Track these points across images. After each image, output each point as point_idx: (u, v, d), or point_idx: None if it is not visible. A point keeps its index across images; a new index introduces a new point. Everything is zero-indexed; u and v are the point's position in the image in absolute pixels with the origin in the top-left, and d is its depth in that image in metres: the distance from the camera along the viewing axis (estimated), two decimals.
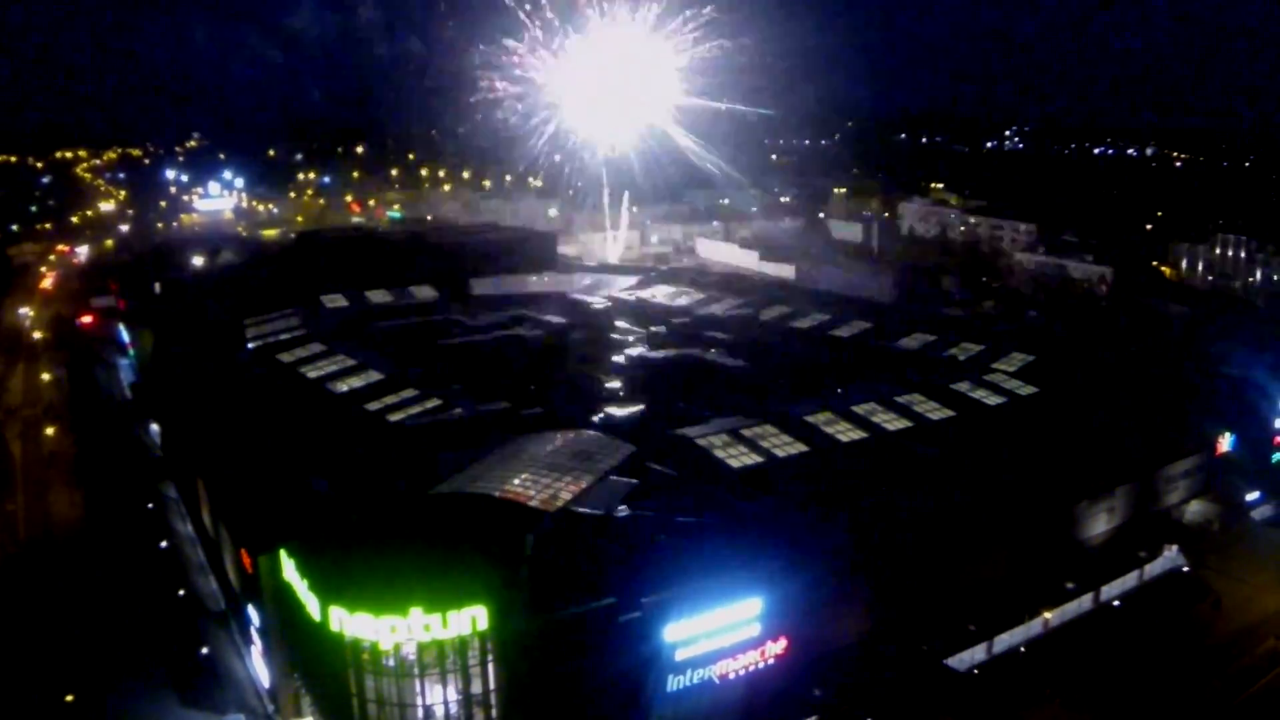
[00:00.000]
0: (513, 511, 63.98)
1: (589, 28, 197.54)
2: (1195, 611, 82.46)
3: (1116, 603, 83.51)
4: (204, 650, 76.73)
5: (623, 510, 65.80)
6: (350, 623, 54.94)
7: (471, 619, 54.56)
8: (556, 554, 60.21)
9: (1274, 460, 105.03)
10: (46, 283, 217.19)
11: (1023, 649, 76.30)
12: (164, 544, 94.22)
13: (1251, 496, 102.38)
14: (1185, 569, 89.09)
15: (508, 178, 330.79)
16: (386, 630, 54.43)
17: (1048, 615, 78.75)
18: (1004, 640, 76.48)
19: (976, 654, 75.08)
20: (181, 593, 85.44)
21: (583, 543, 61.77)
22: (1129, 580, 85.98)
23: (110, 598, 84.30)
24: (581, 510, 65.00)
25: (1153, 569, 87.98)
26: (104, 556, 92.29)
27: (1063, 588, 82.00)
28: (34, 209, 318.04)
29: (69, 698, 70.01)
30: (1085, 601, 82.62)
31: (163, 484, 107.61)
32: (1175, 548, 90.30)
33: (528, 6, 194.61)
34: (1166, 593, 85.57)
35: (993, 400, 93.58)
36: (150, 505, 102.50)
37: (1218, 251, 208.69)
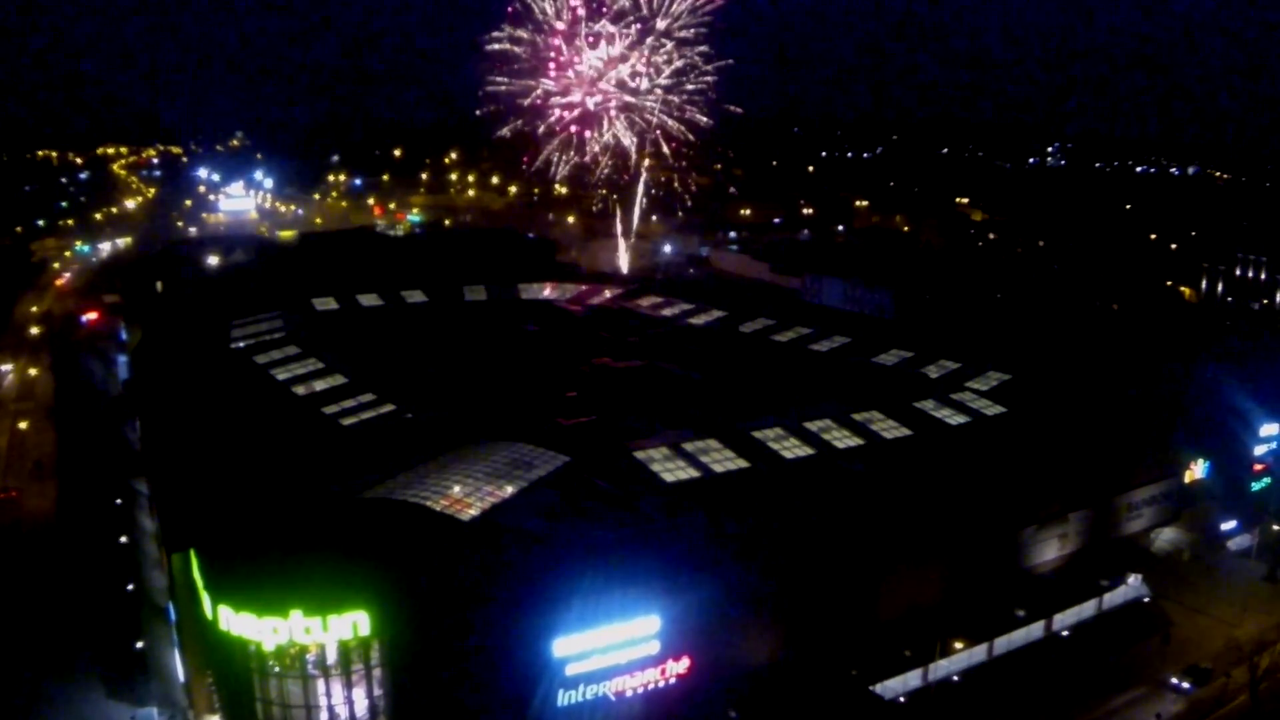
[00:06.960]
0: (423, 518, 63.70)
1: (621, 37, 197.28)
2: (1142, 645, 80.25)
3: (1065, 632, 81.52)
4: (139, 644, 77.22)
5: (535, 521, 65.14)
6: (236, 622, 55.28)
7: (353, 624, 54.52)
8: (457, 562, 59.78)
9: (1252, 489, 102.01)
10: (62, 279, 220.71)
11: (955, 678, 74.63)
12: (124, 539, 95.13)
13: (1228, 526, 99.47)
14: (1146, 599, 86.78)
15: (534, 187, 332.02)
16: (269, 631, 54.56)
17: (979, 645, 76.98)
18: (942, 667, 74.74)
19: (911, 680, 73.39)
20: (130, 587, 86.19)
21: (485, 552, 61.18)
22: (1086, 609, 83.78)
23: (60, 590, 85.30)
24: (495, 520, 64.44)
25: (1113, 598, 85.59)
26: (63, 549, 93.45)
27: (1013, 615, 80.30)
28: (64, 204, 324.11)
29: None
30: (1036, 630, 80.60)
31: (136, 480, 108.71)
32: (1138, 577, 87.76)
33: (561, 17, 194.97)
34: (1119, 624, 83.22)
35: (955, 419, 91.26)
36: (119, 501, 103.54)
37: (1238, 272, 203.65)
